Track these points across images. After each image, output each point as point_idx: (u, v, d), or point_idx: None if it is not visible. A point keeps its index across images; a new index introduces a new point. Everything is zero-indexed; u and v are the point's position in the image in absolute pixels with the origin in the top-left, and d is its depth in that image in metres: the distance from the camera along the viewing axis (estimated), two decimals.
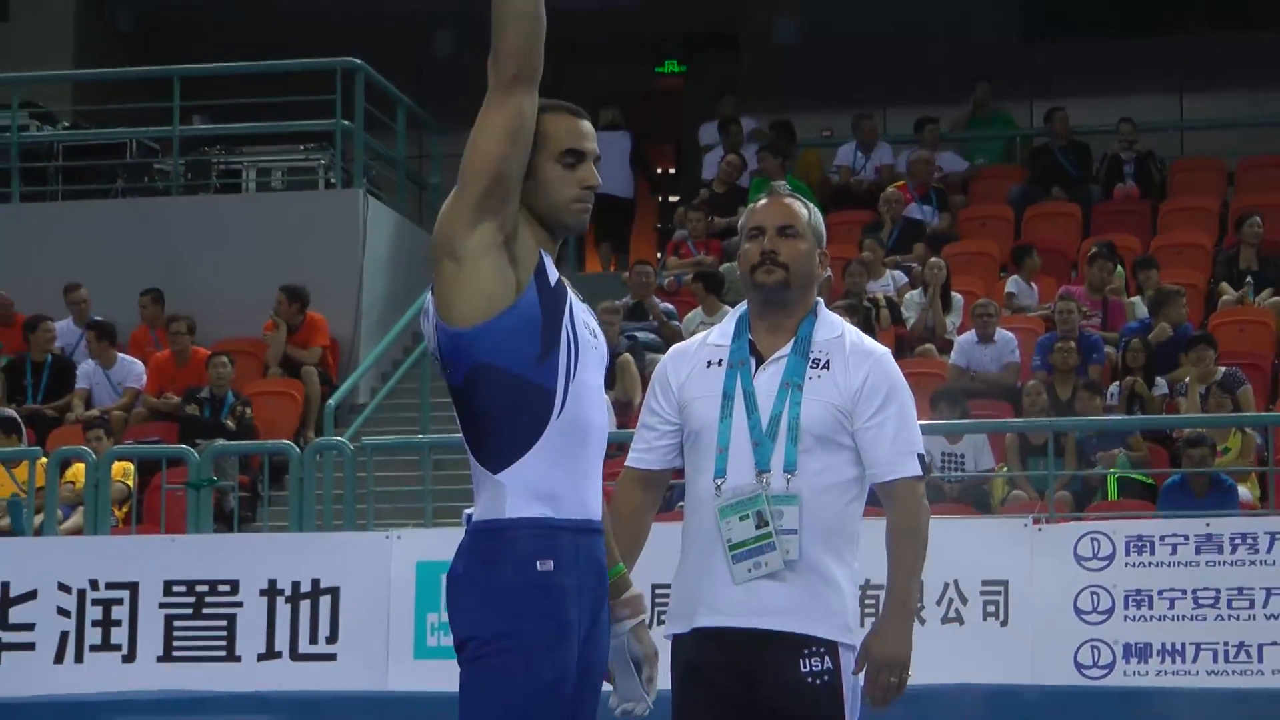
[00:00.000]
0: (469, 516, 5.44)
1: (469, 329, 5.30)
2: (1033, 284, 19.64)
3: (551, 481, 5.37)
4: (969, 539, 14.79)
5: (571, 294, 5.49)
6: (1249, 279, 19.61)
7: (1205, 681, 14.30)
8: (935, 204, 21.67)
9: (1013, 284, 19.75)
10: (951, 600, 14.35)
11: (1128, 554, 14.48)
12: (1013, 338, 18.32)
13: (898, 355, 19.45)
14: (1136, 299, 19.04)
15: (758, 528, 5.93)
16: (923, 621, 14.64)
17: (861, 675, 6.12)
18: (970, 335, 18.40)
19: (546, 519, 5.34)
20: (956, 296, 19.33)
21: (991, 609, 14.24)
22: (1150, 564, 14.50)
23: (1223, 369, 17.25)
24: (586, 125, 5.59)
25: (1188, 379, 17.31)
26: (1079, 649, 14.14)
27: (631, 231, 24.29)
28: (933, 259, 19.77)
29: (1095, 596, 14.38)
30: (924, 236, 20.77)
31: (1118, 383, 17.70)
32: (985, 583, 14.19)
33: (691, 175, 23.64)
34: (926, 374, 17.80)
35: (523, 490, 5.35)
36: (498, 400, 5.34)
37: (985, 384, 18.07)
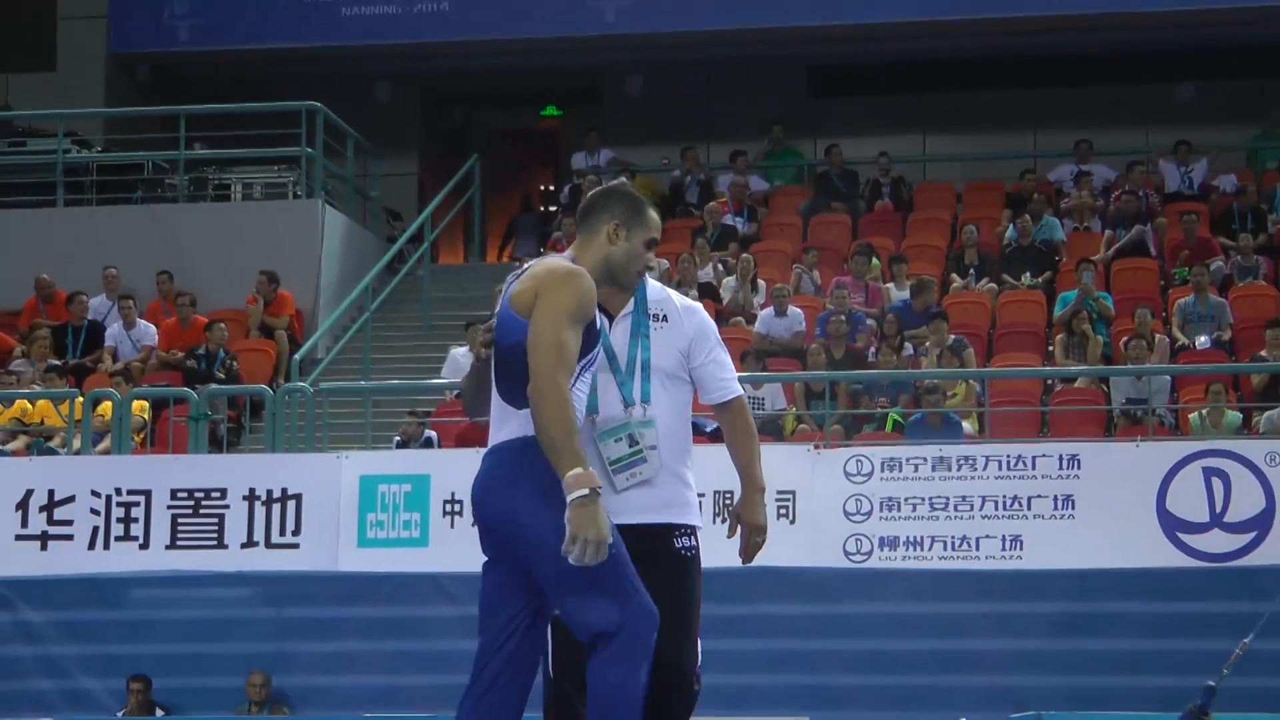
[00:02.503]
0: (494, 444, 5.50)
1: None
2: (815, 273, 19.67)
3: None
4: (767, 461, 14.76)
5: (605, 329, 5.68)
6: (971, 271, 19.74)
7: (938, 564, 14.40)
8: (745, 215, 21.71)
9: (801, 273, 19.78)
10: None
11: (883, 471, 14.56)
12: (801, 313, 18.36)
13: (716, 325, 19.54)
14: (891, 285, 19.12)
15: (630, 446, 5.87)
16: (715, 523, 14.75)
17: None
18: (769, 311, 18.45)
19: None
20: (760, 282, 19.36)
21: (783, 511, 14.29)
22: (899, 478, 14.58)
23: (953, 337, 17.34)
24: (659, 230, 5.80)
25: (928, 343, 17.40)
26: (846, 540, 14.24)
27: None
28: (743, 255, 19.83)
29: (858, 502, 14.46)
30: (737, 238, 20.78)
31: (875, 344, 17.81)
32: (779, 492, 14.23)
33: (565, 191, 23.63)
34: (738, 339, 17.83)
35: None
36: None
37: (780, 347, 18.12)
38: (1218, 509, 14.25)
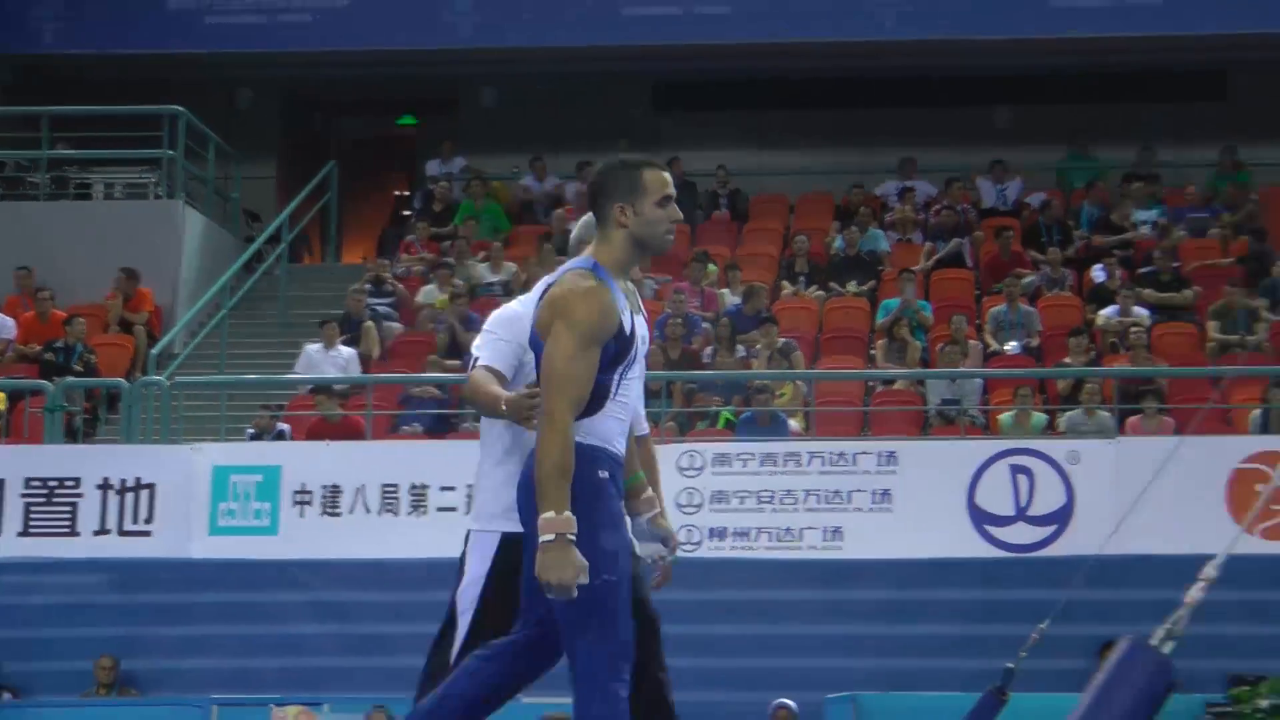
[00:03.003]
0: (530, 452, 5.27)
1: None
2: (655, 278, 19.65)
3: (602, 430, 5.25)
4: None
5: (637, 323, 5.31)
6: (801, 278, 19.81)
7: (764, 554, 14.46)
8: None
9: (641, 279, 19.74)
10: None
11: (714, 466, 14.62)
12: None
13: None
14: (726, 290, 19.13)
15: None
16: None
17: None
18: None
19: (598, 447, 5.23)
20: None
21: None
22: (729, 473, 14.64)
23: (782, 340, 17.39)
24: (669, 176, 5.42)
25: (759, 346, 17.43)
26: (678, 531, 14.18)
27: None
28: None
29: (690, 494, 14.50)
30: None
31: (711, 346, 17.81)
32: None
33: (419, 196, 23.46)
34: None
35: (582, 431, 5.17)
36: None
37: None
38: (1022, 503, 14.43)
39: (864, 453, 14.80)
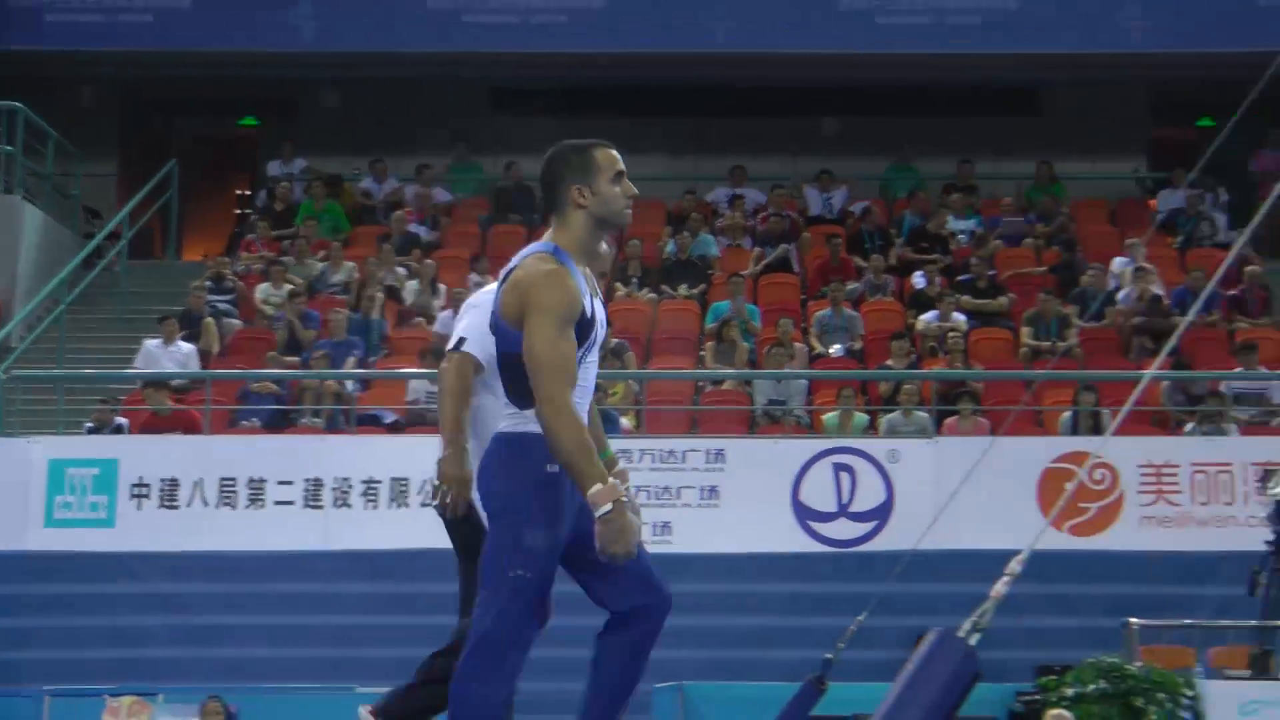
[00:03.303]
0: (494, 433, 5.30)
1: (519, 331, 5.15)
2: (489, 278, 19.52)
3: None
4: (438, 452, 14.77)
5: (596, 307, 5.27)
6: (634, 280, 19.84)
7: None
8: (429, 224, 21.51)
9: (476, 278, 19.63)
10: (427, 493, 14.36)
11: None
12: (450, 314, 18.26)
13: (396, 327, 19.30)
14: None
15: None
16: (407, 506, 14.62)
17: None
18: (449, 313, 18.24)
19: None
20: (441, 286, 19.19)
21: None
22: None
23: (615, 340, 17.38)
24: (617, 153, 5.35)
25: None
26: None
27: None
28: (427, 260, 19.66)
29: None
30: (420, 245, 20.56)
31: None
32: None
33: (260, 196, 23.18)
34: (417, 338, 17.73)
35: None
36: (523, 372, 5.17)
37: None
38: (844, 500, 14.56)
39: (693, 450, 14.86)
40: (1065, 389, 16.50)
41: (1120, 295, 18.51)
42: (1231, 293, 18.77)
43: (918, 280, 19.39)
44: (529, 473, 5.15)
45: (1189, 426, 15.97)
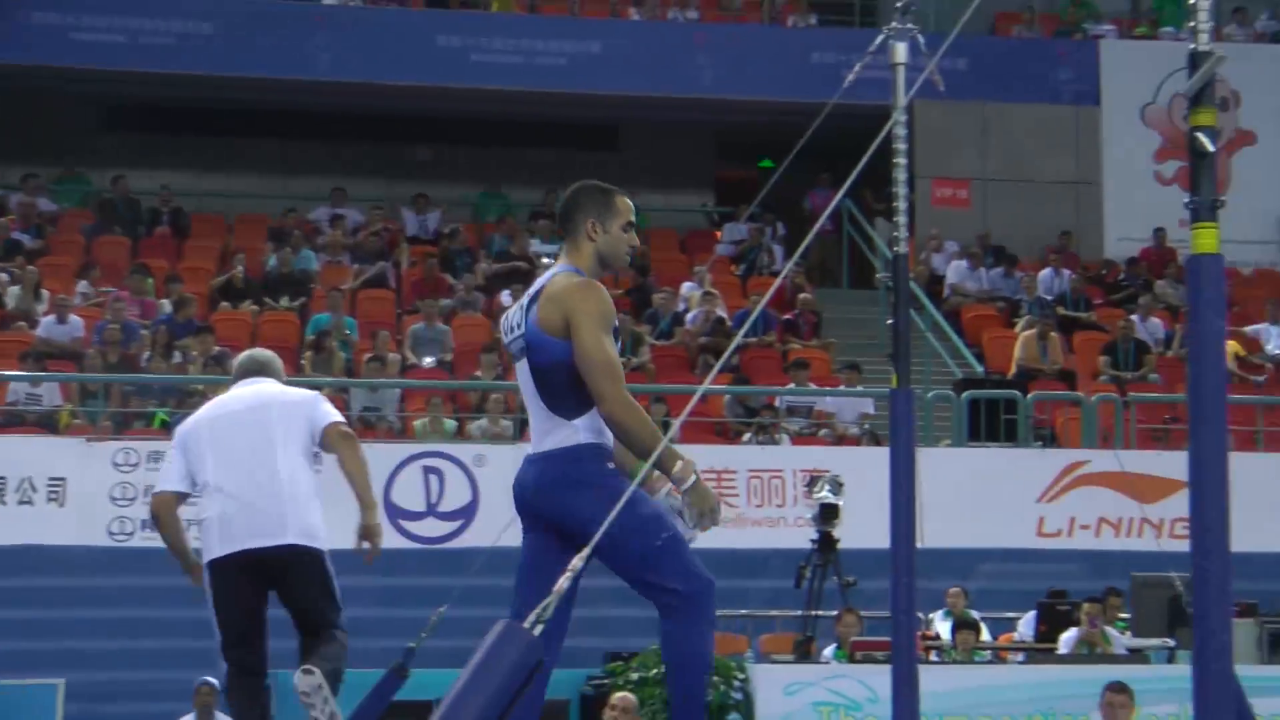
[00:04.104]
0: (543, 450, 5.44)
1: (565, 341, 5.34)
2: (100, 289, 18.84)
3: (600, 425, 5.42)
4: (42, 452, 14.32)
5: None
6: (237, 292, 19.39)
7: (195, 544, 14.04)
8: (33, 232, 20.56)
9: (83, 286, 18.94)
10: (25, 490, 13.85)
11: (149, 462, 14.16)
12: (81, 321, 17.57)
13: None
14: (165, 301, 18.47)
15: None
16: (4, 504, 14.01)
17: None
18: (52, 318, 17.55)
19: (605, 444, 5.45)
20: (44, 292, 18.40)
21: (54, 496, 13.73)
22: (159, 469, 14.15)
23: (218, 348, 16.95)
24: (633, 205, 5.65)
25: (195, 352, 16.94)
26: (111, 522, 13.79)
27: None
28: (29, 267, 18.85)
29: (125, 488, 14.06)
30: (23, 252, 19.64)
31: (148, 352, 17.20)
32: (51, 479, 13.75)
33: None
34: (18, 341, 17.05)
35: (589, 429, 5.41)
36: (573, 379, 5.36)
37: (59, 349, 17.25)
38: (433, 500, 14.53)
39: None
40: (638, 400, 16.76)
41: (688, 316, 18.97)
42: (786, 316, 19.44)
43: (505, 297, 19.50)
44: (600, 470, 5.37)
45: (746, 436, 16.44)
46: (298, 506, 7.30)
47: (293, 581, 7.37)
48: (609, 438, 5.45)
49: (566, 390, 5.36)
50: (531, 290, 5.51)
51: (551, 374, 5.38)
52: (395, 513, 14.47)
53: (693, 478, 5.28)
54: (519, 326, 5.48)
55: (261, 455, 7.22)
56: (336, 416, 7.52)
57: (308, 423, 7.38)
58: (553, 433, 5.43)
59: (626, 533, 5.23)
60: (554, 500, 5.41)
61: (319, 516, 7.41)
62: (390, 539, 14.29)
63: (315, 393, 7.75)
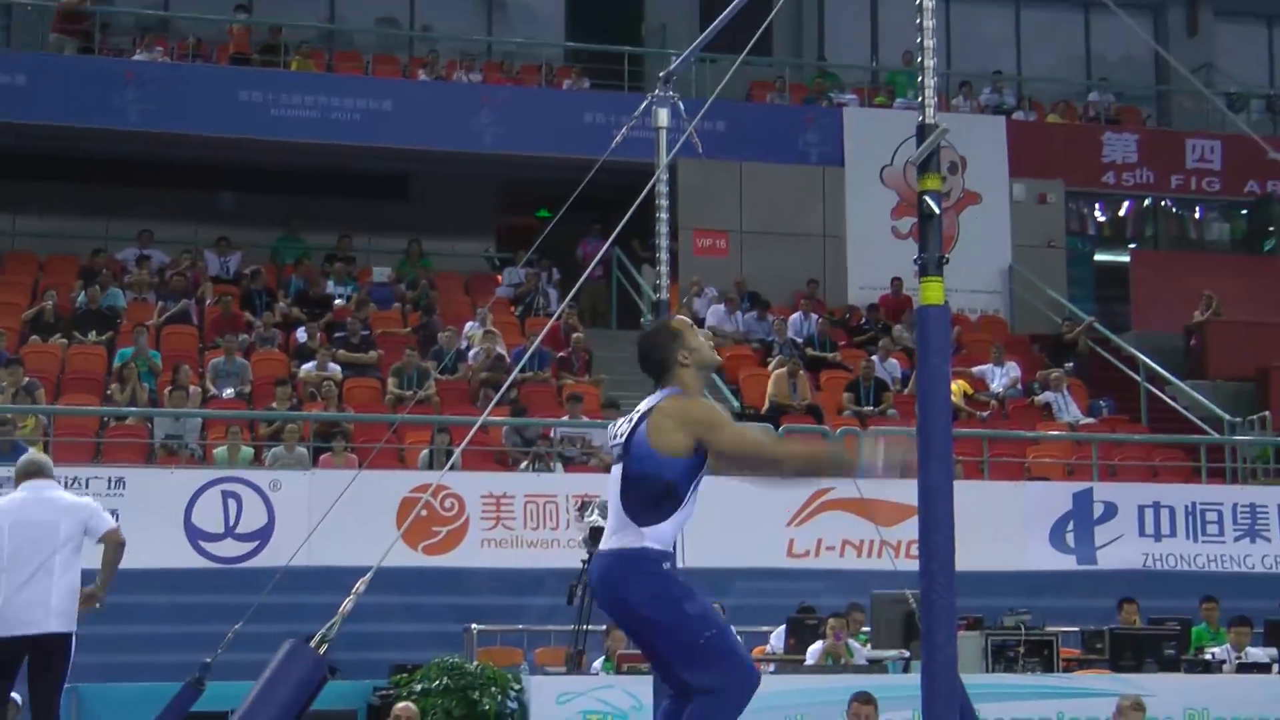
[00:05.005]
0: (611, 548, 5.47)
1: (666, 458, 5.41)
2: None
3: (667, 536, 5.45)
4: None
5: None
6: (47, 327, 18.75)
7: None
8: None
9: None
10: None
11: None
12: None
13: None
14: None
15: None
16: None
17: None
18: None
19: (666, 551, 5.46)
20: None
21: None
22: None
23: (28, 379, 16.37)
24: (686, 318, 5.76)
25: (4, 383, 16.34)
26: None
27: None
28: None
29: None
30: None
31: None
32: None
33: None
34: None
35: (655, 539, 5.42)
36: (656, 494, 5.43)
37: None
38: (231, 523, 14.21)
39: (96, 478, 14.16)
40: (424, 430, 16.65)
41: (470, 353, 18.87)
42: (560, 354, 19.45)
43: (300, 335, 19.23)
44: (657, 572, 5.36)
45: (523, 464, 16.40)
46: (62, 600, 8.13)
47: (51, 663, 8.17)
48: (670, 547, 5.53)
49: (647, 501, 5.41)
50: (642, 407, 5.57)
51: (639, 482, 5.43)
52: (195, 534, 14.13)
53: (879, 449, 5.24)
54: (623, 435, 5.56)
55: (44, 559, 8.10)
56: (111, 524, 8.47)
57: (84, 528, 8.30)
58: (620, 532, 5.48)
59: (673, 630, 5.35)
60: (617, 594, 5.46)
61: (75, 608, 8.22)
62: (189, 559, 14.04)
63: (92, 503, 8.66)
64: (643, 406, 5.57)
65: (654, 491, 5.38)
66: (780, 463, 5.47)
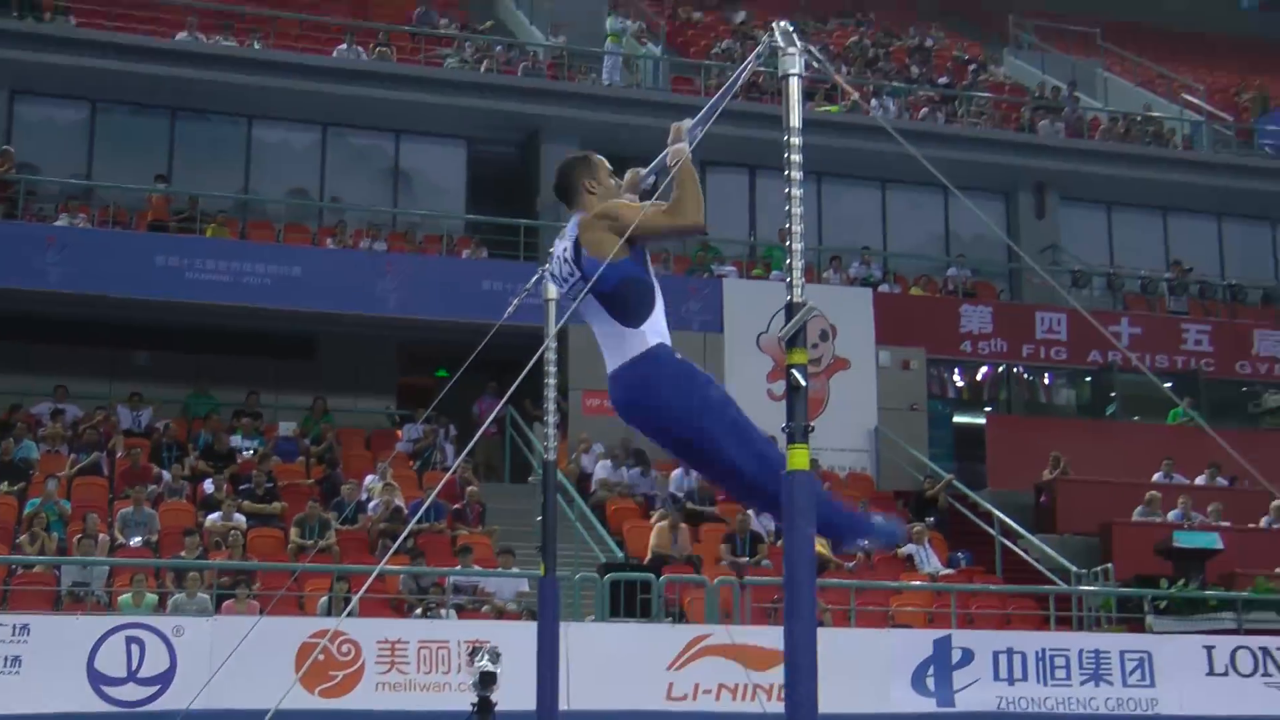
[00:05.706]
0: (626, 360, 5.51)
1: (618, 262, 5.50)
2: None
3: (661, 326, 5.60)
4: None
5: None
6: None
7: None
8: None
9: None
10: None
11: None
12: None
13: None
14: None
15: None
16: None
17: None
18: None
19: (667, 341, 5.59)
20: None
21: None
22: None
23: None
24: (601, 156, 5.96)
25: None
26: None
27: None
28: None
29: None
30: None
31: None
32: None
33: None
34: None
35: (654, 332, 5.54)
36: (632, 292, 5.54)
37: None
38: (134, 667, 13.84)
39: (1, 625, 13.74)
40: (324, 578, 16.41)
41: (370, 505, 18.69)
42: (455, 506, 19.33)
43: (207, 486, 18.95)
44: (673, 359, 5.46)
45: (418, 610, 16.19)
46: None
47: None
48: (668, 335, 5.61)
49: (630, 304, 5.52)
50: (565, 241, 5.66)
51: (615, 295, 5.52)
52: (98, 679, 13.74)
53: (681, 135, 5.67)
54: (572, 276, 5.63)
55: None
56: None
57: None
58: (623, 346, 5.55)
59: (711, 409, 5.42)
60: (642, 400, 5.48)
61: None
62: (91, 703, 13.62)
63: None
64: (566, 241, 5.69)
65: (630, 293, 5.53)
66: (678, 214, 5.52)
